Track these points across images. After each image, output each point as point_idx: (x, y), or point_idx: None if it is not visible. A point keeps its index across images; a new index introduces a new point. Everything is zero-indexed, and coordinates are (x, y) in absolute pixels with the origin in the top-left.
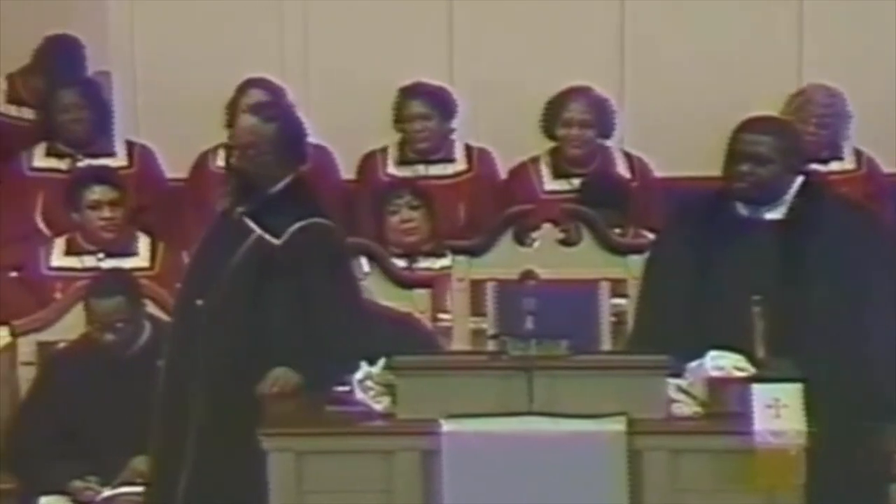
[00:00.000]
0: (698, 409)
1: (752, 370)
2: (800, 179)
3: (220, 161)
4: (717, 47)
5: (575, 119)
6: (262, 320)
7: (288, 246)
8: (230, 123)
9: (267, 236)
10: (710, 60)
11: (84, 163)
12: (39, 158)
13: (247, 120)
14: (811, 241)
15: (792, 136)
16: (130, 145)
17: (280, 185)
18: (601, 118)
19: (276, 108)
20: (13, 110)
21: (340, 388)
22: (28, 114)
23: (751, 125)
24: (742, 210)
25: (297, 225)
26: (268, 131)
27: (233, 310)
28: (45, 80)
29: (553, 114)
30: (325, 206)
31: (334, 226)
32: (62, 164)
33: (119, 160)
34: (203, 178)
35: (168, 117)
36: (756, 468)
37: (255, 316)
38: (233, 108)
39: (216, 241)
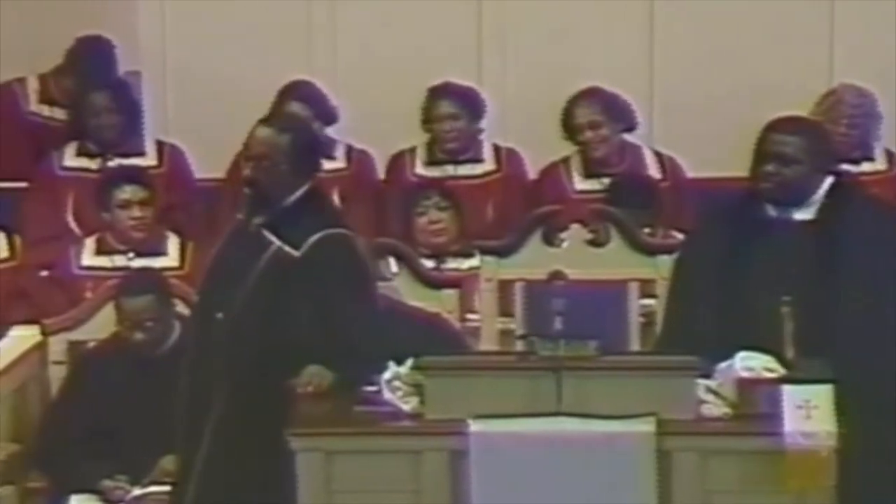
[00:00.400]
0: (728, 410)
1: (782, 371)
2: (829, 180)
3: None
4: (749, 47)
5: (584, 122)
6: (283, 331)
7: (307, 257)
8: None
9: (286, 248)
10: (742, 60)
11: (114, 162)
12: (70, 158)
13: (261, 131)
14: (841, 241)
15: (820, 136)
16: (160, 145)
17: (296, 196)
18: (614, 114)
19: (290, 118)
20: (45, 110)
21: (369, 388)
22: (60, 114)
23: (777, 125)
24: (771, 211)
25: (316, 236)
26: (282, 142)
27: (254, 322)
28: (76, 81)
29: (567, 121)
30: (341, 214)
31: (352, 234)
32: (93, 164)
33: (149, 160)
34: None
35: (198, 117)
36: (786, 470)
37: (277, 327)
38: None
39: (233, 253)
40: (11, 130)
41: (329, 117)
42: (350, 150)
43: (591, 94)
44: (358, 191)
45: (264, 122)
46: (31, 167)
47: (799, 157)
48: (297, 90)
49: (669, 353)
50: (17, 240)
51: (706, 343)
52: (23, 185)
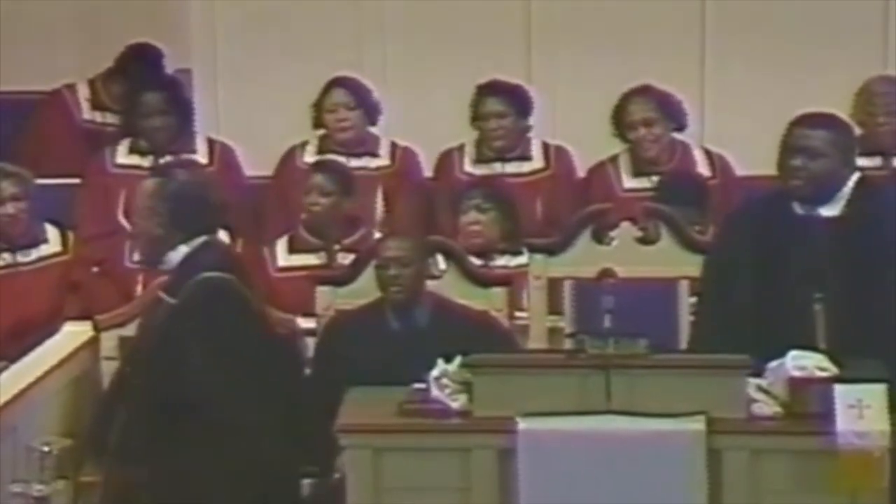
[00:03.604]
0: (779, 409)
1: (834, 370)
2: (856, 176)
3: (308, 157)
4: (799, 45)
5: (638, 119)
6: (175, 378)
7: (180, 303)
8: (317, 123)
9: (165, 297)
10: (793, 58)
11: (174, 158)
12: (123, 156)
13: (147, 184)
14: (869, 237)
15: (846, 130)
16: (211, 143)
17: (184, 251)
18: (666, 112)
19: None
20: (98, 116)
21: (417, 386)
22: (113, 119)
23: (803, 120)
24: (798, 208)
25: (192, 281)
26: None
27: (148, 372)
28: (125, 86)
29: (618, 119)
30: (236, 262)
31: (232, 279)
32: (145, 162)
33: (200, 158)
34: (288, 174)
35: (248, 115)
36: (838, 470)
37: (169, 375)
38: (319, 108)
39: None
40: (66, 134)
41: (373, 111)
42: (394, 147)
43: (645, 92)
44: (403, 188)
45: (154, 172)
46: (86, 168)
47: (825, 150)
48: (341, 83)
49: (713, 351)
50: (71, 235)
51: (737, 342)
52: (76, 181)
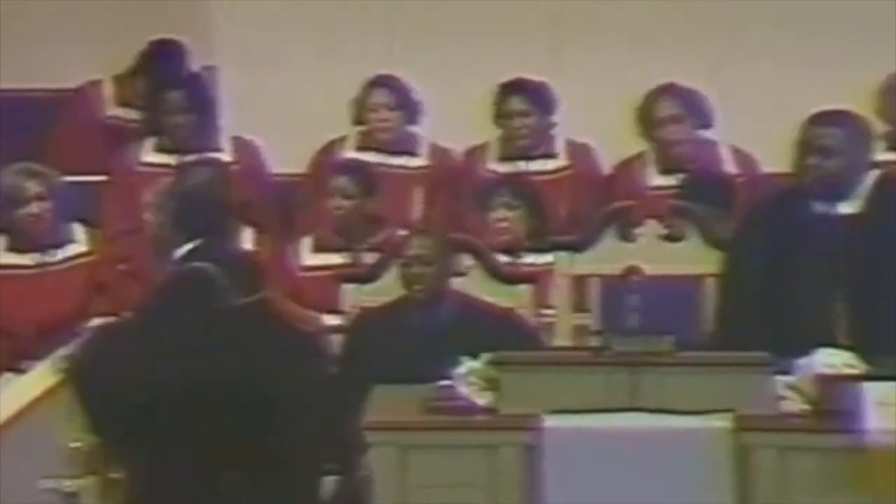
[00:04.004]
0: (807, 406)
1: (863, 368)
2: (873, 173)
3: (346, 152)
4: (826, 43)
5: (665, 117)
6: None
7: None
8: (357, 120)
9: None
10: (818, 57)
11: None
12: (148, 153)
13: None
14: (889, 233)
15: (862, 128)
16: (236, 141)
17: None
18: (692, 109)
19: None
20: (122, 113)
21: (443, 383)
22: (136, 115)
23: (818, 118)
24: (815, 206)
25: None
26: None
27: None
28: (149, 83)
29: (644, 117)
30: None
31: (203, 268)
32: (170, 160)
33: (225, 156)
34: (324, 168)
35: (273, 112)
36: (867, 467)
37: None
38: (360, 105)
39: None
40: (91, 131)
41: (414, 111)
42: (434, 148)
43: (671, 90)
44: (441, 188)
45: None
46: (111, 165)
47: (840, 149)
48: (383, 83)
49: (732, 348)
50: (97, 234)
51: (756, 339)
52: (101, 178)
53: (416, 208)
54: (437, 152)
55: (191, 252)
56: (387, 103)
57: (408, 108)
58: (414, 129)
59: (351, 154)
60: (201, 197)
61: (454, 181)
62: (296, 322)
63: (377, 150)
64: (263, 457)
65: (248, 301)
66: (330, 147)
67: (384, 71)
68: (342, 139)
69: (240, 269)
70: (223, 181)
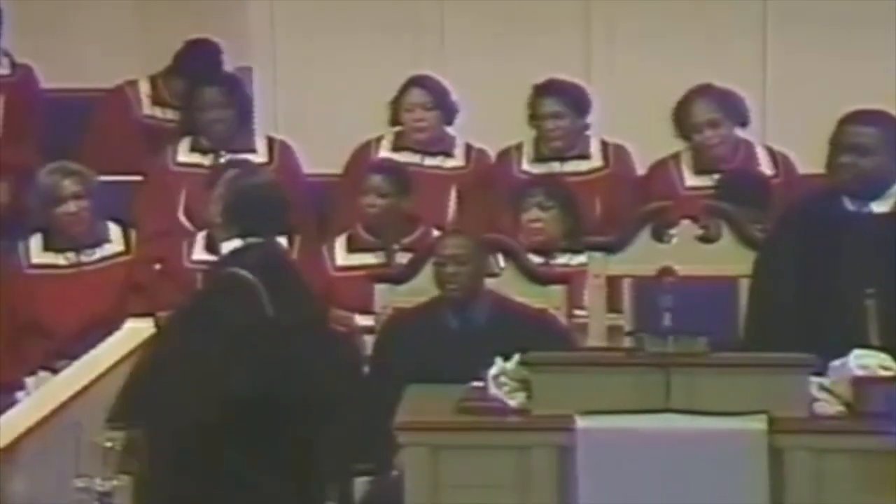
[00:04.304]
0: (842, 408)
1: None
2: None
3: (382, 152)
4: (861, 42)
5: (704, 120)
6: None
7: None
8: (394, 121)
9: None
10: (854, 55)
11: (226, 158)
12: (184, 154)
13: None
14: None
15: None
16: (270, 141)
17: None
18: (730, 111)
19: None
20: (159, 112)
21: (475, 384)
22: (173, 115)
23: (853, 117)
24: (849, 205)
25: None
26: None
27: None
28: (185, 82)
29: (681, 119)
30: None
31: (246, 278)
32: (205, 160)
33: (259, 156)
34: (363, 168)
35: (308, 113)
36: None
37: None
38: (396, 106)
39: None
40: (128, 131)
41: (450, 111)
42: (469, 149)
43: (707, 92)
44: (476, 189)
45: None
46: (147, 164)
47: (875, 147)
48: (420, 83)
49: (770, 348)
50: (133, 234)
51: (789, 339)
52: (137, 178)
53: (451, 209)
54: (473, 153)
55: (237, 250)
56: (423, 103)
57: (444, 108)
58: (450, 129)
59: (386, 154)
60: (260, 197)
61: (489, 182)
62: (329, 323)
63: (412, 150)
64: (296, 457)
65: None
66: (366, 147)
67: (417, 72)
68: (378, 139)
69: (282, 276)
70: (281, 187)
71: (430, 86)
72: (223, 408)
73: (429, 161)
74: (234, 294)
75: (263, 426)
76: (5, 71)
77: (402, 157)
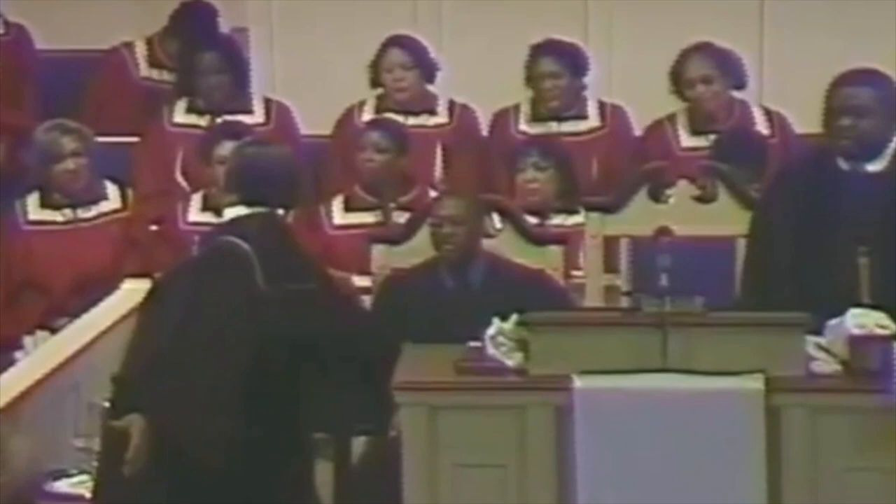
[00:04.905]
0: (838, 367)
1: (894, 328)
2: None
3: (366, 116)
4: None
5: (697, 76)
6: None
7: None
8: (374, 83)
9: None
10: (853, 13)
11: (222, 119)
12: (180, 114)
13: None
14: None
15: (889, 85)
16: (268, 102)
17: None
18: (725, 69)
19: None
20: (155, 74)
21: (473, 344)
22: (170, 77)
23: (846, 78)
24: (843, 164)
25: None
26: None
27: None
28: (181, 44)
29: (677, 76)
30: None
31: (242, 249)
32: (202, 121)
33: (256, 117)
34: (347, 134)
35: (305, 74)
36: None
37: None
38: (376, 67)
39: None
40: (125, 92)
41: (430, 70)
42: (452, 105)
43: (704, 49)
44: (461, 145)
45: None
46: (144, 125)
47: (871, 108)
48: (398, 43)
49: (764, 307)
50: (130, 192)
51: (784, 298)
52: (134, 139)
53: (437, 166)
54: (456, 109)
55: (238, 218)
56: (402, 63)
57: (424, 66)
58: (431, 87)
59: (370, 117)
60: (263, 167)
61: (474, 137)
62: (330, 283)
63: (395, 111)
64: (292, 417)
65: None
66: (349, 113)
67: (413, 32)
68: (361, 104)
69: (281, 248)
70: (290, 159)
71: (409, 45)
72: (215, 376)
73: (412, 120)
74: (227, 264)
75: (256, 390)
76: None
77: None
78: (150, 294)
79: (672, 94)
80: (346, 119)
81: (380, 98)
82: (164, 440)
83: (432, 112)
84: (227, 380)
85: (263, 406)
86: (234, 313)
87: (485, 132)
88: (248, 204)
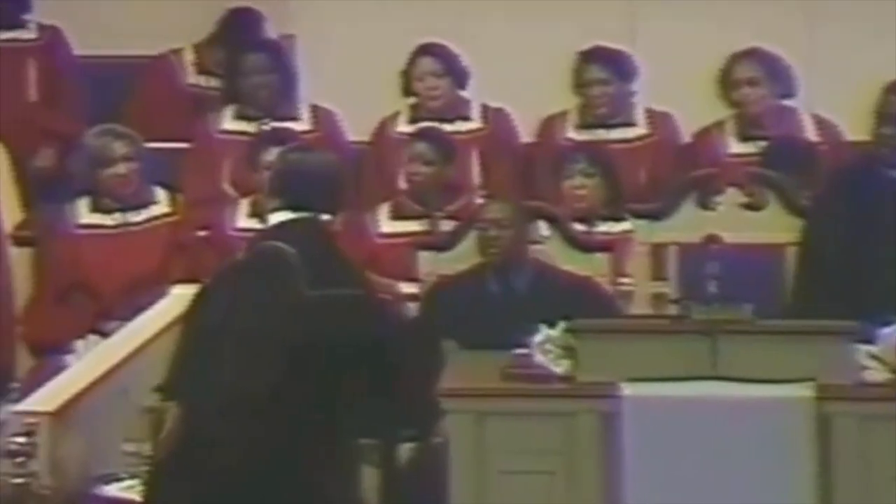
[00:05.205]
0: (890, 375)
1: None
2: None
3: (400, 127)
4: None
5: (743, 78)
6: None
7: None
8: (407, 92)
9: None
10: None
11: (269, 126)
12: (228, 121)
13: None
14: None
15: None
16: (315, 109)
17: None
18: (773, 76)
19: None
20: (202, 80)
21: (520, 351)
22: (215, 83)
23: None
24: (892, 171)
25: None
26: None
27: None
28: (227, 51)
29: (725, 78)
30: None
31: (285, 252)
32: (250, 128)
33: (304, 124)
34: (382, 145)
35: (351, 81)
36: None
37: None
38: (408, 76)
39: None
40: (172, 98)
41: (461, 76)
42: (486, 110)
43: (753, 53)
44: (497, 150)
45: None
46: (191, 132)
47: None
48: (428, 51)
49: (816, 316)
50: (178, 197)
51: (838, 308)
52: (182, 145)
53: (475, 172)
54: (490, 113)
55: (282, 223)
56: (434, 70)
57: (455, 73)
58: (463, 93)
59: (404, 129)
60: (308, 173)
61: (510, 141)
62: (371, 290)
63: (429, 119)
64: (341, 424)
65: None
66: (382, 125)
67: (459, 39)
68: (394, 115)
69: (325, 253)
70: (334, 165)
71: (439, 53)
72: (258, 380)
73: (447, 128)
74: (269, 268)
75: (293, 395)
76: (32, 35)
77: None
78: (195, 297)
79: (719, 97)
80: (381, 130)
81: (413, 107)
82: (194, 436)
83: (466, 118)
84: (261, 382)
85: (300, 411)
86: (273, 316)
87: (527, 138)
88: (292, 209)
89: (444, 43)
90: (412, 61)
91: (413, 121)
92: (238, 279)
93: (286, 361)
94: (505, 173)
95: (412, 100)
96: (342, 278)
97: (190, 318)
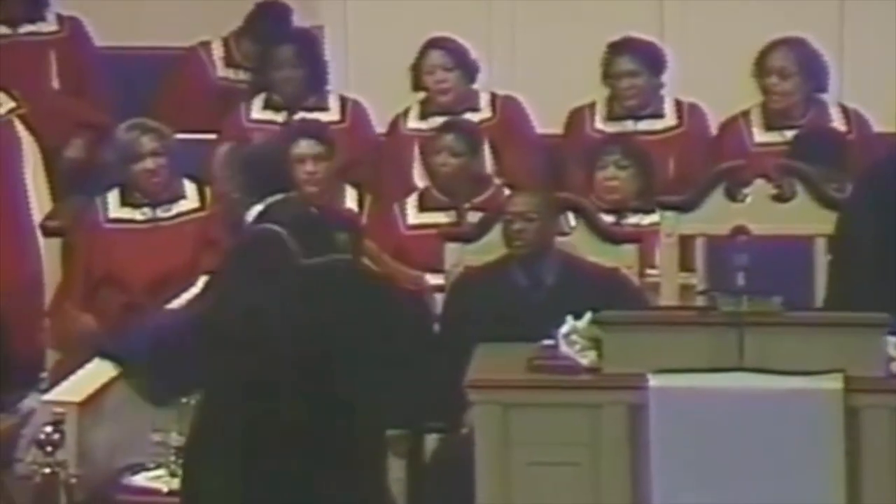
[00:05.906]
0: None
1: None
2: None
3: (411, 123)
4: None
5: (775, 67)
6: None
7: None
8: (416, 86)
9: None
10: None
11: (298, 117)
12: (257, 111)
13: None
14: None
15: None
16: (343, 100)
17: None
18: (807, 68)
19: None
20: (231, 74)
21: (546, 343)
22: (244, 76)
23: None
24: None
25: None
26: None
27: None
28: (256, 44)
29: (758, 65)
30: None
31: (274, 231)
32: (278, 117)
33: (332, 115)
34: (396, 141)
35: (379, 72)
36: None
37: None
38: (417, 70)
39: None
40: (201, 91)
41: (471, 70)
42: (494, 98)
43: (792, 43)
44: (508, 138)
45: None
46: (221, 124)
47: None
48: (437, 45)
49: (853, 309)
50: (208, 191)
51: (869, 300)
52: (212, 136)
53: (487, 160)
54: (498, 102)
55: (261, 214)
56: (443, 64)
57: (465, 67)
58: (474, 86)
59: (415, 124)
60: (266, 159)
61: (521, 127)
62: (392, 281)
63: (439, 114)
64: (365, 416)
65: (330, 261)
66: (394, 122)
67: (488, 31)
68: (405, 111)
69: (313, 228)
70: (284, 143)
71: (448, 46)
72: (278, 364)
73: None
74: (258, 244)
75: (323, 380)
76: (53, 27)
77: (431, 124)
78: (202, 288)
79: (753, 77)
80: (392, 127)
81: (423, 102)
82: (214, 423)
83: (475, 108)
84: (263, 357)
85: (309, 391)
86: (272, 291)
87: (555, 129)
88: (263, 197)
89: (453, 37)
90: (421, 55)
91: (424, 116)
92: (237, 261)
93: (285, 342)
94: (517, 160)
95: (422, 95)
96: (330, 248)
97: (199, 308)
